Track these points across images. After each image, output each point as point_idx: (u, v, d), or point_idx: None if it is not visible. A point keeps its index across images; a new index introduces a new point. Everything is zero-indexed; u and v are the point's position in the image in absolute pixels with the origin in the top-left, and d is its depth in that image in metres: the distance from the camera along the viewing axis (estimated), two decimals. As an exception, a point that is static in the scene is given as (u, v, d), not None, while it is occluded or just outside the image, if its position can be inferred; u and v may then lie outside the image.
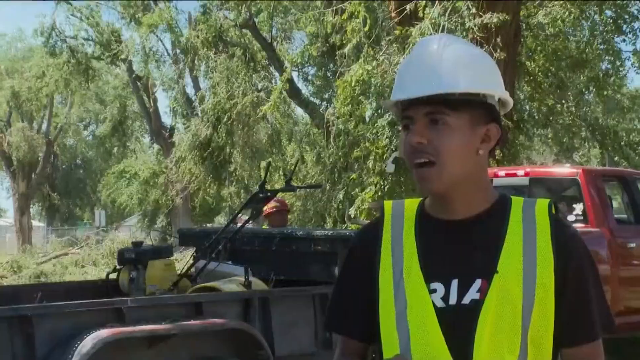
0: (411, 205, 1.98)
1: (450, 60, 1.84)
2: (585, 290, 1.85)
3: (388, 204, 2.01)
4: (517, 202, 1.92)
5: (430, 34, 10.29)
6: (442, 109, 1.82)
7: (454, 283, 1.84)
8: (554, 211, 1.89)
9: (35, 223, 49.04)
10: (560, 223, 1.88)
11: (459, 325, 1.80)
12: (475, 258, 1.84)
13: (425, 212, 1.95)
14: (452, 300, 1.83)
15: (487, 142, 1.88)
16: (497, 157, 11.69)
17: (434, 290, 1.84)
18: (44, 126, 43.19)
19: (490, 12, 11.49)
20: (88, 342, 4.71)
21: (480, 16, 11.48)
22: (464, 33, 11.54)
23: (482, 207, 1.90)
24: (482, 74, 1.89)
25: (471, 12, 11.62)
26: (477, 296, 1.81)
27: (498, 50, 11.49)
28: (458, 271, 1.84)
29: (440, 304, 1.83)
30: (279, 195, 8.09)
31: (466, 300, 1.82)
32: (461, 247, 1.87)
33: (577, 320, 1.85)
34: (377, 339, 1.92)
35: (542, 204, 1.90)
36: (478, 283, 1.82)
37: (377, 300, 1.90)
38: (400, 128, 1.96)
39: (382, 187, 13.09)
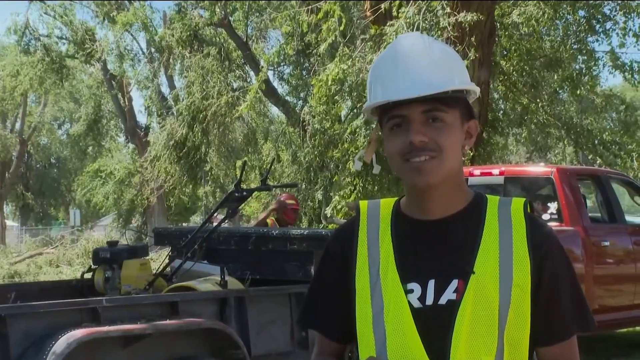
0: (387, 205, 1.98)
1: (439, 59, 1.86)
2: (560, 290, 1.85)
3: (364, 204, 2.00)
4: (492, 201, 1.92)
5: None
6: (440, 107, 1.83)
7: (431, 283, 1.83)
8: (529, 210, 1.89)
9: (9, 222, 48.69)
10: (535, 222, 1.88)
11: (435, 325, 1.80)
12: (452, 258, 1.84)
13: (401, 212, 1.94)
14: (429, 300, 1.82)
15: (469, 138, 1.91)
16: (469, 156, 11.73)
17: (411, 291, 1.83)
18: (17, 125, 42.88)
19: (465, 11, 11.52)
20: (62, 342, 4.67)
21: (455, 15, 11.52)
22: (439, 32, 11.57)
23: (459, 207, 1.90)
24: (464, 71, 1.92)
25: (446, 11, 11.65)
26: (453, 296, 1.81)
27: (472, 50, 11.53)
28: (435, 271, 1.84)
29: (417, 304, 1.82)
30: (291, 192, 8.08)
31: (443, 300, 1.82)
32: (438, 247, 1.86)
33: (553, 320, 1.85)
34: (353, 339, 1.91)
35: (517, 203, 1.90)
36: (455, 283, 1.81)
37: (354, 301, 1.89)
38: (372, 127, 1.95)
39: (361, 187, 13.11)
